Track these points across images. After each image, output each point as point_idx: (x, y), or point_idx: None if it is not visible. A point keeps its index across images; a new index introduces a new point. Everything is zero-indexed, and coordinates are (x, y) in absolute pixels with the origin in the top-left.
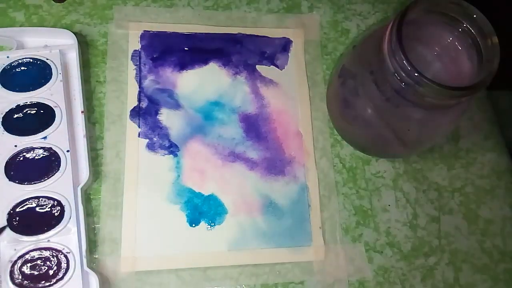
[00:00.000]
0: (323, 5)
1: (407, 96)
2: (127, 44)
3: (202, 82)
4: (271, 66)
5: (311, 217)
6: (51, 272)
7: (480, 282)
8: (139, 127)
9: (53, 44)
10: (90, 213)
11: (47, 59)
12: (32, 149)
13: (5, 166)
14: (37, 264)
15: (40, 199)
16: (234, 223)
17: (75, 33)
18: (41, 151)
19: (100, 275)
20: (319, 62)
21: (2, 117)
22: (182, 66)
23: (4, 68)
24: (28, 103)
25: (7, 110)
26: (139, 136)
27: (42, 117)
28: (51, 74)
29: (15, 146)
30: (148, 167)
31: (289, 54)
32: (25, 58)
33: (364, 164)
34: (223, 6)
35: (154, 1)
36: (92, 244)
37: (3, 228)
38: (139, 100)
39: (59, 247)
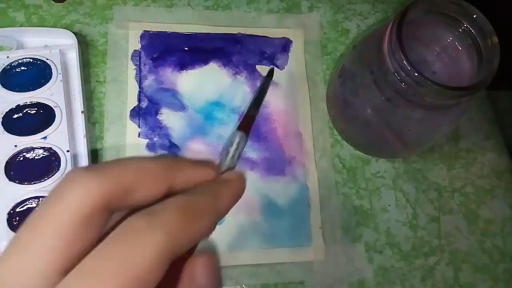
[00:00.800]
0: (323, 5)
1: (407, 96)
2: (127, 44)
3: (202, 82)
4: (271, 66)
5: (311, 217)
6: None
7: (480, 282)
8: (139, 127)
9: (53, 44)
10: None
11: (47, 59)
12: (32, 149)
13: (5, 166)
14: None
15: (40, 199)
16: (234, 223)
17: (75, 33)
18: (41, 151)
19: None
20: (319, 62)
21: (2, 117)
22: (182, 66)
23: (4, 68)
24: (28, 103)
25: (7, 110)
26: (139, 136)
27: (42, 117)
28: (51, 74)
29: (15, 146)
30: None
31: (289, 54)
32: (25, 58)
33: (364, 164)
34: (223, 6)
35: (154, 1)
36: None
37: None
38: (139, 100)
39: None
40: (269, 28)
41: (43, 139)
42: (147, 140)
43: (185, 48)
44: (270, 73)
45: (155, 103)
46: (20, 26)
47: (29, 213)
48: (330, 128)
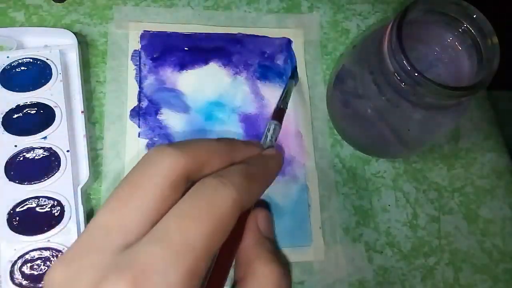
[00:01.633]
0: (323, 5)
1: (407, 96)
2: (127, 44)
3: (202, 82)
4: (271, 66)
5: (311, 217)
6: None
7: (480, 282)
8: (139, 127)
9: (53, 44)
10: (90, 213)
11: (47, 59)
12: (32, 149)
13: (5, 166)
14: (37, 264)
15: (40, 199)
16: None
17: (75, 33)
18: (41, 151)
19: None
20: (319, 62)
21: (2, 117)
22: (182, 66)
23: (4, 68)
24: (28, 103)
25: (7, 110)
26: (139, 136)
27: (42, 117)
28: (51, 74)
29: (15, 146)
30: None
31: (289, 54)
32: (25, 58)
33: (364, 164)
34: (223, 6)
35: (154, 1)
36: None
37: None
38: (139, 100)
39: (59, 247)
40: (269, 28)
41: (43, 139)
42: (147, 140)
43: (185, 48)
44: (293, 74)
45: (155, 103)
46: (20, 26)
47: (29, 213)
48: (330, 128)
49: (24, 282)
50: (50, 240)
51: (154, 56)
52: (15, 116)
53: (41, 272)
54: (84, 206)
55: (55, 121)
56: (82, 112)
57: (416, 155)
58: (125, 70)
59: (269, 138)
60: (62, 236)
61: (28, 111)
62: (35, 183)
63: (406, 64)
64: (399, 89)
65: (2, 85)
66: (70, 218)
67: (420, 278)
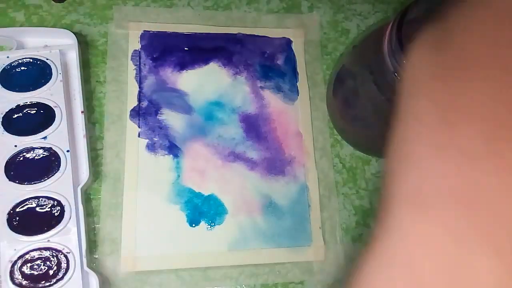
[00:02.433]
0: (323, 5)
1: None
2: (127, 44)
3: (202, 82)
4: (271, 66)
5: (311, 217)
6: (51, 272)
7: None
8: (139, 127)
9: (53, 44)
10: (90, 213)
11: (47, 59)
12: (32, 149)
13: (5, 166)
14: (37, 264)
15: (40, 199)
16: (234, 223)
17: (75, 33)
18: (41, 151)
19: (100, 275)
20: (319, 62)
21: (2, 117)
22: (182, 66)
23: (4, 68)
24: (28, 103)
25: (7, 110)
26: (139, 136)
27: (42, 117)
28: (51, 74)
29: (15, 146)
30: (148, 167)
31: (289, 54)
32: (25, 58)
33: (364, 164)
34: (223, 6)
35: (154, 1)
36: (92, 244)
37: None
38: (139, 100)
39: (59, 247)
40: (269, 28)
41: (43, 139)
42: (147, 140)
43: (185, 48)
44: None
45: (155, 103)
46: (20, 26)
47: (29, 213)
48: (330, 128)
49: (24, 282)
50: (50, 240)
51: (154, 56)
52: (15, 116)
53: (41, 272)
54: (84, 206)
55: (55, 121)
56: (82, 112)
57: None
58: (125, 70)
59: None
60: (62, 236)
61: (28, 111)
62: (35, 183)
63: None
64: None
65: (2, 85)
66: (70, 218)
67: None
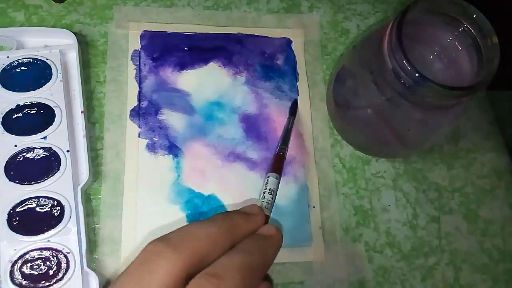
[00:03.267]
0: (323, 5)
1: (407, 96)
2: (127, 44)
3: (202, 82)
4: (271, 66)
5: (311, 217)
6: (51, 272)
7: (480, 282)
8: (139, 127)
9: (53, 44)
10: (90, 213)
11: (47, 59)
12: (32, 149)
13: (5, 166)
14: (37, 264)
15: (40, 199)
16: None
17: (75, 33)
18: (41, 151)
19: (100, 275)
20: (319, 62)
21: (2, 117)
22: (182, 66)
23: (4, 68)
24: (28, 103)
25: (7, 110)
26: (139, 136)
27: (42, 117)
28: (51, 74)
29: (15, 146)
30: (148, 167)
31: (289, 54)
32: (25, 58)
33: (364, 164)
34: (223, 6)
35: (154, 1)
36: (92, 244)
37: None
38: (139, 100)
39: (59, 247)
40: (269, 28)
41: (43, 139)
42: (147, 140)
43: (185, 48)
44: (293, 111)
45: (155, 103)
46: (20, 26)
47: (29, 213)
48: (330, 128)
49: (24, 282)
50: (50, 240)
51: (154, 56)
52: (15, 116)
53: (41, 272)
54: (84, 206)
55: (55, 121)
56: (82, 112)
57: (416, 155)
58: (125, 70)
59: (266, 197)
60: (62, 236)
61: (28, 111)
62: (35, 183)
63: (406, 64)
64: (399, 89)
65: (2, 85)
66: (70, 218)
67: (420, 278)
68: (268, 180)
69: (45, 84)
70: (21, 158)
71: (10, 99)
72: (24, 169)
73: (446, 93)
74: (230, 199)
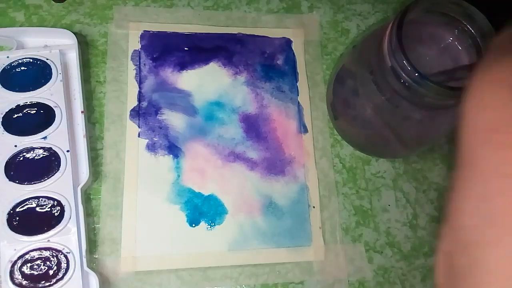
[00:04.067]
0: (323, 5)
1: (407, 96)
2: (127, 44)
3: (202, 82)
4: (271, 66)
5: (311, 217)
6: (51, 272)
7: None
8: (139, 127)
9: (53, 44)
10: (90, 213)
11: (47, 59)
12: (32, 149)
13: (5, 166)
14: (37, 264)
15: (40, 199)
16: (234, 223)
17: (75, 33)
18: (41, 151)
19: (100, 275)
20: (319, 62)
21: (2, 117)
22: (182, 66)
23: (4, 68)
24: (28, 103)
25: (7, 110)
26: (139, 136)
27: (42, 117)
28: (51, 74)
29: (15, 146)
30: (148, 167)
31: (289, 54)
32: (25, 58)
33: (364, 164)
34: (223, 6)
35: (154, 1)
36: (92, 244)
37: None
38: (139, 100)
39: (59, 247)
40: (269, 28)
41: (43, 139)
42: (147, 140)
43: (185, 48)
44: None
45: (155, 103)
46: (20, 26)
47: (29, 213)
48: (330, 128)
49: (24, 282)
50: (50, 240)
51: (154, 56)
52: (15, 116)
53: (41, 272)
54: (84, 206)
55: (55, 121)
56: (82, 112)
57: (416, 155)
58: (125, 70)
59: None
60: (62, 236)
61: (28, 111)
62: (35, 183)
63: (406, 64)
64: (399, 89)
65: (2, 85)
66: (70, 218)
67: (420, 278)
68: None
69: (45, 84)
70: (21, 158)
71: (10, 99)
72: (24, 169)
73: (446, 93)
74: (230, 199)
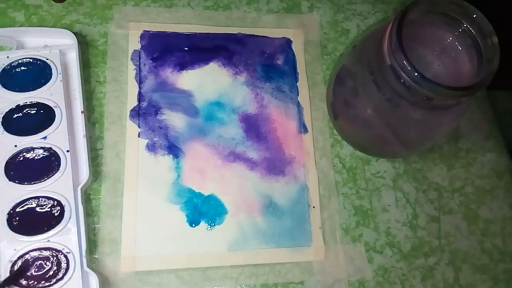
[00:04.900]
0: (323, 5)
1: (407, 96)
2: (127, 44)
3: (202, 82)
4: (271, 66)
5: (311, 217)
6: (51, 272)
7: (480, 282)
8: (139, 127)
9: (53, 44)
10: (90, 213)
11: (47, 59)
12: (32, 149)
13: (5, 166)
14: (37, 264)
15: (40, 199)
16: (234, 223)
17: (75, 33)
18: (41, 151)
19: (100, 275)
20: (319, 62)
21: (2, 117)
22: (182, 66)
23: (4, 68)
24: (28, 103)
25: (7, 110)
26: (139, 136)
27: (42, 117)
28: (51, 74)
29: (15, 146)
30: (148, 167)
31: (289, 54)
32: (25, 58)
33: (364, 164)
34: (223, 6)
35: (154, 1)
36: (92, 244)
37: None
38: (139, 100)
39: (59, 247)
40: (269, 28)
41: (43, 139)
42: (147, 140)
43: (185, 48)
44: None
45: (155, 103)
46: (20, 26)
47: (29, 213)
48: (330, 128)
49: (24, 282)
50: (50, 240)
51: (154, 56)
52: (15, 116)
53: (41, 272)
54: (84, 206)
55: (55, 121)
56: (82, 112)
57: (416, 155)
58: (125, 70)
59: None
60: (62, 236)
61: (28, 111)
62: (35, 183)
63: (406, 64)
64: (399, 89)
65: (2, 85)
66: (70, 218)
67: (420, 278)
68: None
69: (45, 84)
70: (21, 158)
71: (10, 99)
72: (24, 169)
73: (446, 93)
74: (230, 199)
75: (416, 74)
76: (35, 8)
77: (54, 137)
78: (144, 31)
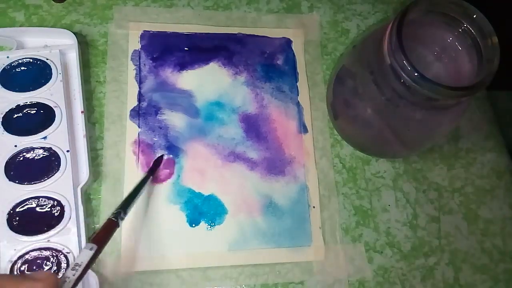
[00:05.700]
0: (323, 5)
1: (407, 96)
2: (127, 44)
3: (202, 82)
4: (271, 66)
5: (311, 217)
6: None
7: (480, 282)
8: (139, 127)
9: (53, 44)
10: (90, 213)
11: (47, 59)
12: (32, 149)
13: (5, 166)
14: (37, 264)
15: (40, 199)
16: (234, 223)
17: (75, 33)
18: (41, 151)
19: (100, 275)
20: (319, 62)
21: (2, 117)
22: (182, 66)
23: (4, 68)
24: (28, 103)
25: (7, 110)
26: (139, 136)
27: (42, 117)
28: (51, 74)
29: (15, 146)
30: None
31: (289, 54)
32: (25, 58)
33: (364, 164)
34: (223, 6)
35: (154, 1)
36: None
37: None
38: (139, 100)
39: (59, 247)
40: (269, 28)
41: (43, 139)
42: (148, 140)
43: (185, 48)
44: (154, 167)
45: (155, 103)
46: (20, 26)
47: (29, 213)
48: (330, 128)
49: None
50: (50, 240)
51: (154, 56)
52: (15, 116)
53: None
54: (84, 206)
55: (55, 121)
56: (82, 112)
57: (416, 155)
58: (125, 70)
59: (67, 274)
60: (62, 236)
61: (28, 111)
62: (35, 183)
63: (406, 64)
64: (399, 89)
65: (2, 85)
66: (70, 218)
67: (420, 278)
68: (83, 251)
69: (45, 84)
70: (21, 158)
71: (10, 99)
72: (24, 169)
73: (446, 93)
74: (230, 199)
75: (416, 74)
76: (35, 8)
77: (54, 137)
78: (144, 31)
